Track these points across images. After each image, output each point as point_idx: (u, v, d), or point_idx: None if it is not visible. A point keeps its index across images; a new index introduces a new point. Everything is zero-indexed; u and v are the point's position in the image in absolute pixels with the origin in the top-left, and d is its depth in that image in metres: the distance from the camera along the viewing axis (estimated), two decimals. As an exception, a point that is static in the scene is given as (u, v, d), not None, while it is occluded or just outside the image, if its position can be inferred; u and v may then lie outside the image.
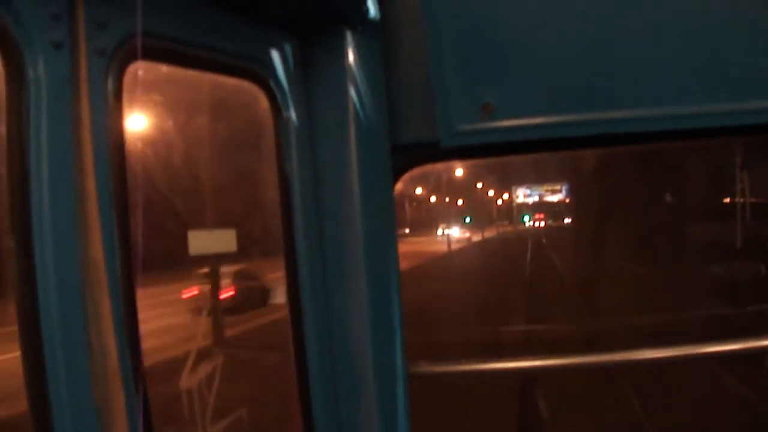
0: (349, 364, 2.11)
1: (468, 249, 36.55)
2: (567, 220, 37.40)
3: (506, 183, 42.00)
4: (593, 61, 2.14)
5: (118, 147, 1.58)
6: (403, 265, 2.51)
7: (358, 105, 2.08)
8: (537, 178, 37.71)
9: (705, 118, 2.16)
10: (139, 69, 1.67)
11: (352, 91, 2.07)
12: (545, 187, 38.53)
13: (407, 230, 39.96)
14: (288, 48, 2.03)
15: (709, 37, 2.13)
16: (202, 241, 2.04)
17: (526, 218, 42.13)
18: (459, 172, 38.51)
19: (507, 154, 2.45)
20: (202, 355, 2.36)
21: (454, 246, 35.69)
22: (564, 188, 36.99)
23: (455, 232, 38.77)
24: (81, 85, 1.49)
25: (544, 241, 35.09)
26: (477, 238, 42.79)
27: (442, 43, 2.11)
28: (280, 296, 2.16)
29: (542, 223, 41.82)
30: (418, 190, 39.75)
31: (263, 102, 2.01)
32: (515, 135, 2.21)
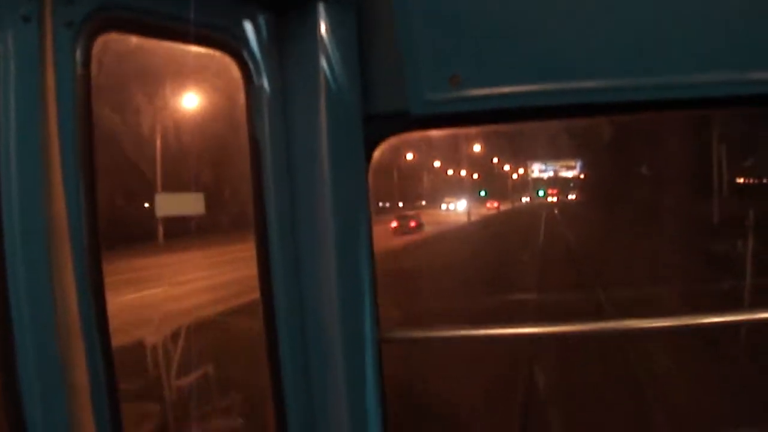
0: (318, 329, 2.12)
1: (489, 218, 37.01)
2: (578, 196, 37.28)
3: (522, 158, 41.78)
4: (564, 30, 2.11)
5: (85, 118, 1.60)
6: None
7: (330, 76, 2.06)
8: (552, 154, 37.44)
9: (681, 89, 2.13)
10: (109, 40, 1.67)
11: (325, 62, 2.05)
12: (560, 163, 38.23)
13: (423, 202, 39.82)
14: (261, 19, 2.02)
15: (687, 4, 2.09)
16: (168, 204, 2.08)
17: (541, 193, 41.99)
18: (477, 147, 38.48)
19: (478, 123, 2.44)
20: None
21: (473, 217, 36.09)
22: (578, 164, 36.72)
23: (461, 206, 38.41)
24: (48, 58, 1.52)
25: (556, 212, 35.47)
26: (491, 211, 42.96)
27: (412, 15, 2.08)
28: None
29: (556, 198, 41.65)
30: (437, 164, 39.56)
31: (235, 72, 2.01)
32: (484, 104, 2.15)
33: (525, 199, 46.76)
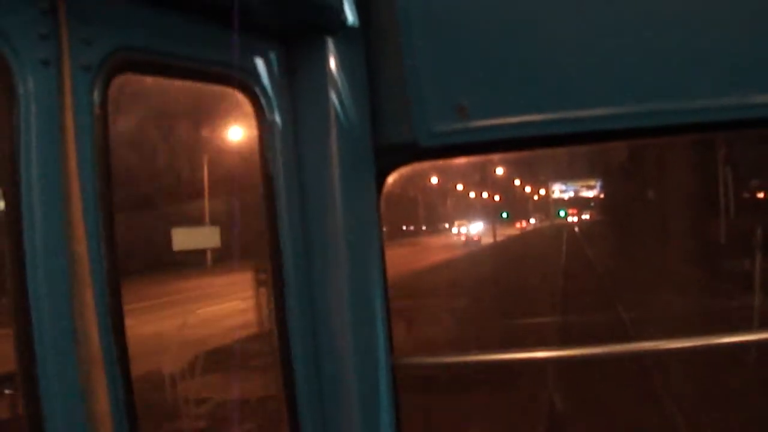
0: (332, 357, 2.13)
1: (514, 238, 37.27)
2: (598, 215, 37.06)
3: (543, 179, 41.59)
4: (567, 60, 2.14)
5: (103, 157, 1.63)
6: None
7: (340, 109, 2.09)
8: (573, 173, 37.24)
9: (682, 114, 2.15)
10: (125, 80, 1.72)
11: (335, 96, 2.08)
12: (580, 183, 38.02)
13: (446, 224, 39.77)
14: (272, 55, 2.06)
15: (685, 32, 2.12)
16: (185, 238, 2.11)
17: (562, 213, 41.73)
18: (500, 170, 38.52)
19: (484, 152, 2.48)
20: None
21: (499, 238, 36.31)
22: (598, 184, 36.50)
23: (475, 228, 37.64)
24: (67, 100, 1.55)
25: (577, 230, 35.40)
26: (515, 232, 42.90)
27: (418, 48, 2.13)
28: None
29: (576, 218, 41.42)
30: (459, 187, 39.55)
31: (248, 108, 2.03)
32: (490, 134, 2.19)
33: (532, 221, 46.70)
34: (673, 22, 2.12)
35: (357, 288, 2.15)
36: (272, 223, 2.08)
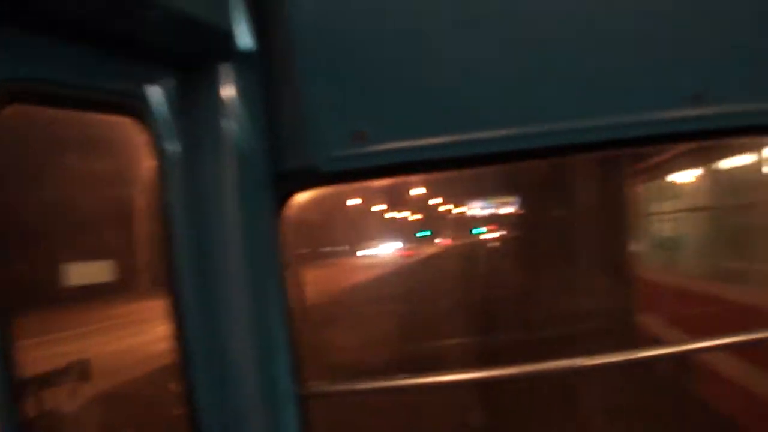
0: (237, 388, 2.08)
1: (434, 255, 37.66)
2: (514, 231, 37.70)
3: (462, 197, 42.15)
4: (465, 84, 2.16)
5: None
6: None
7: (237, 135, 2.07)
8: (491, 191, 37.86)
9: (579, 134, 2.20)
10: (13, 113, 1.64)
11: (232, 122, 2.06)
12: (498, 200, 38.64)
13: (369, 244, 39.68)
14: (165, 83, 2.02)
15: (582, 53, 2.18)
16: (77, 273, 2.05)
17: (479, 230, 42.31)
18: (422, 190, 38.98)
19: (384, 176, 2.46)
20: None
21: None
22: (515, 201, 37.20)
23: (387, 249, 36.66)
24: None
25: (494, 246, 36.04)
26: (433, 249, 43.37)
27: (315, 73, 2.14)
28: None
29: (493, 235, 42.08)
30: (380, 207, 39.65)
31: (144, 137, 1.99)
32: (389, 158, 2.20)
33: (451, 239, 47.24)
34: (572, 42, 2.18)
35: (257, 316, 2.12)
36: (170, 253, 2.03)
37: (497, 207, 40.90)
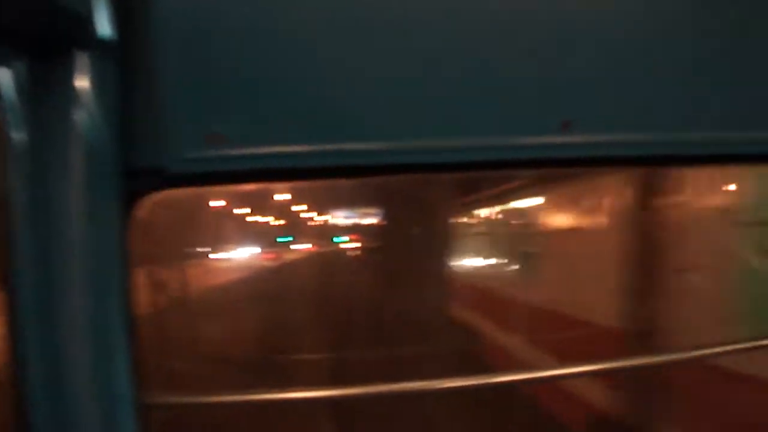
0: (74, 396, 2.02)
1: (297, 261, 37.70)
2: (375, 242, 38.27)
3: (326, 206, 42.28)
4: (332, 93, 2.17)
5: None
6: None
7: (88, 128, 2.02)
8: (355, 202, 38.23)
9: (448, 153, 2.26)
10: None
11: (83, 114, 2.01)
12: (362, 211, 39.03)
13: (231, 247, 38.98)
14: (16, 67, 1.95)
15: (466, 67, 2.23)
16: None
17: (341, 238, 42.63)
18: (288, 196, 38.72)
19: (241, 182, 2.44)
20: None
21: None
22: (378, 212, 37.71)
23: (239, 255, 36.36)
24: None
25: (354, 256, 36.59)
26: (294, 255, 43.37)
27: (173, 69, 2.13)
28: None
29: (354, 245, 42.51)
30: (246, 210, 39.19)
31: None
32: (245, 164, 2.19)
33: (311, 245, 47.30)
34: (452, 62, 2.22)
35: (97, 319, 2.06)
36: (9, 246, 1.97)
37: (359, 217, 41.54)
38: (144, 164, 2.17)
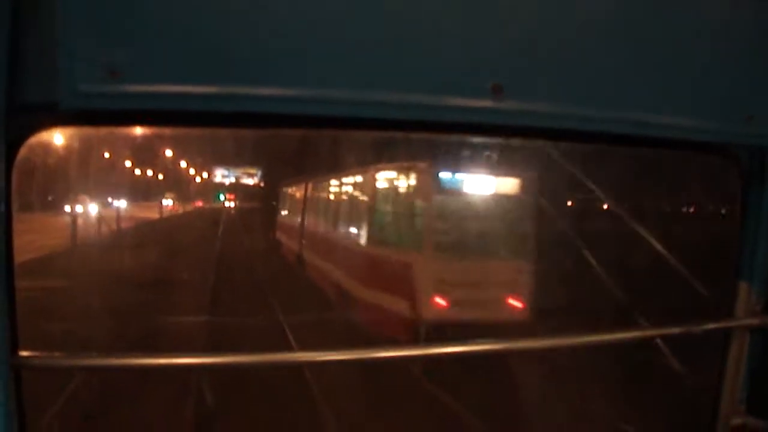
0: None
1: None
2: (254, 202, 38.97)
3: (208, 163, 42.33)
4: (237, 33, 1.86)
5: None
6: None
7: None
8: (236, 160, 38.16)
9: (360, 107, 1.97)
10: None
11: None
12: (242, 170, 39.07)
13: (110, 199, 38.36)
14: None
15: (401, 29, 1.95)
16: None
17: (221, 197, 42.91)
18: (169, 153, 38.94)
19: (137, 124, 2.16)
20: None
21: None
22: (259, 173, 37.92)
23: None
24: None
25: (234, 215, 37.84)
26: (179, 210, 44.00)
27: None
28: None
29: (233, 203, 42.89)
30: (128, 163, 38.62)
31: None
32: (145, 103, 1.87)
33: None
34: (392, 19, 1.95)
35: None
36: None
37: (240, 177, 41.62)
38: (34, 99, 1.82)
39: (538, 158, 10.03)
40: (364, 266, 11.99)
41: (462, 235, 10.40)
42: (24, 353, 1.92)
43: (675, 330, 2.72)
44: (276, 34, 1.86)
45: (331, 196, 16.61)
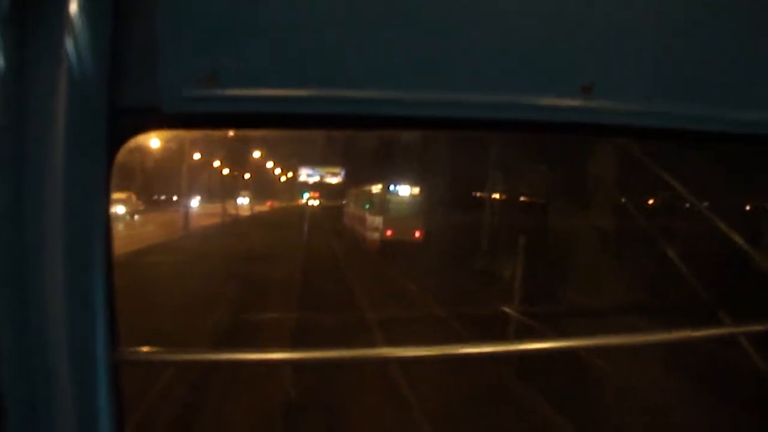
0: (44, 349, 1.86)
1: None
2: (339, 201, 39.80)
3: (292, 162, 43.16)
4: (334, 38, 1.90)
5: None
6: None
7: (76, 59, 1.74)
8: (320, 160, 38.72)
9: (455, 108, 1.99)
10: None
11: (72, 44, 1.73)
12: (326, 170, 39.59)
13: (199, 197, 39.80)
14: None
15: (488, 32, 2.00)
16: None
17: (306, 195, 43.87)
18: (256, 154, 40.16)
19: (234, 126, 2.19)
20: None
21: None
22: (342, 172, 38.34)
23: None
24: None
25: (319, 213, 39.26)
26: (264, 208, 45.54)
27: (175, 3, 1.87)
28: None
29: (317, 201, 43.80)
30: (216, 163, 39.87)
31: None
32: (244, 106, 1.89)
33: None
34: (473, 21, 2.00)
35: (74, 272, 1.87)
36: None
37: (324, 176, 42.23)
38: (135, 103, 1.87)
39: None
40: (365, 221, 25.78)
41: (397, 209, 23.28)
42: (124, 349, 1.93)
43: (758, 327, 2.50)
44: (373, 37, 1.88)
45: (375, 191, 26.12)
